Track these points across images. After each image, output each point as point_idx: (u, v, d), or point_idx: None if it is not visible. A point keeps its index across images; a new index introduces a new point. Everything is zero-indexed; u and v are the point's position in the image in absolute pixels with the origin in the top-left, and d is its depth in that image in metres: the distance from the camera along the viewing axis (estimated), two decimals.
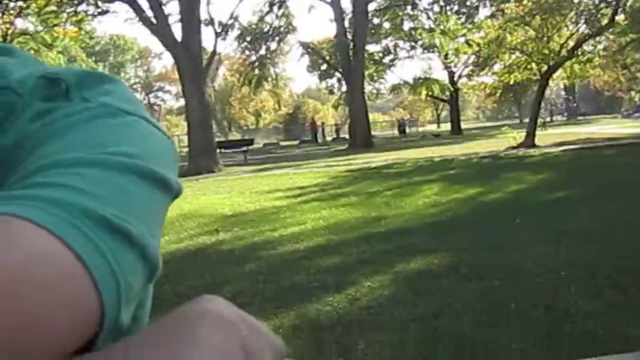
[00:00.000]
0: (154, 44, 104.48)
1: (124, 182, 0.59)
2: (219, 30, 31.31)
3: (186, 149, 28.48)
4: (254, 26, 43.97)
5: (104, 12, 27.81)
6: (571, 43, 26.82)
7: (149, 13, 25.46)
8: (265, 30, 44.38)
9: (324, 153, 35.66)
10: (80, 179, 0.56)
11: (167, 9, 27.38)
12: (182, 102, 30.29)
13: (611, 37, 29.26)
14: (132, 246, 0.55)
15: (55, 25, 28.03)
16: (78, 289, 0.48)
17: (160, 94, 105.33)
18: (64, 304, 0.47)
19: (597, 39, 29.64)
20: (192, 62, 25.18)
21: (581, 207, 9.47)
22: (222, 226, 10.05)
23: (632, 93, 73.11)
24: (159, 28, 25.37)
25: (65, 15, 27.66)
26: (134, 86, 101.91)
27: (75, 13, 27.41)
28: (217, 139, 33.40)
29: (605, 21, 26.05)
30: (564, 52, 26.47)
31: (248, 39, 44.09)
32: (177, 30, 25.56)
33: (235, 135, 77.23)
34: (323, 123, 74.69)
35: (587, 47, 29.20)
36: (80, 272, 0.49)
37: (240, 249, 8.19)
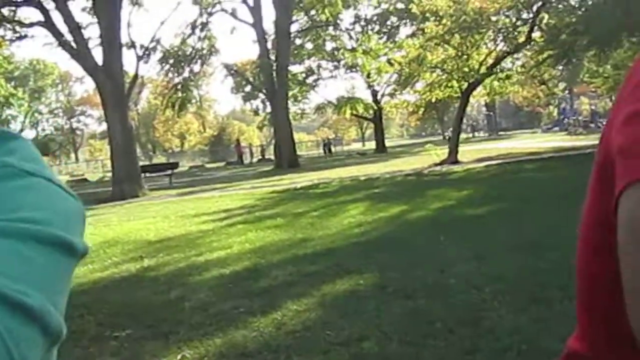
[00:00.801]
0: (75, 68, 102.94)
1: (25, 251, 0.56)
2: (140, 53, 31.01)
3: (110, 174, 28.09)
4: (176, 49, 43.62)
5: (22, 37, 27.31)
6: (490, 60, 27.34)
7: (69, 37, 25.09)
8: (188, 52, 44.09)
9: (250, 174, 35.54)
10: None
11: (87, 33, 27.08)
12: (105, 126, 29.91)
13: (528, 53, 29.86)
14: (32, 320, 0.52)
15: None
16: None
17: (82, 118, 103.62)
18: None
19: (515, 56, 30.27)
20: (113, 86, 24.87)
21: (504, 222, 9.61)
22: (147, 252, 9.90)
23: (551, 108, 74.98)
24: (79, 52, 25.01)
25: None
26: (55, 111, 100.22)
27: None
28: (141, 163, 33.05)
29: (522, 39, 26.64)
30: (483, 70, 26.97)
31: (171, 61, 43.67)
32: (98, 54, 25.25)
33: (160, 158, 76.55)
34: (250, 144, 74.58)
35: (505, 64, 29.80)
36: None
37: (166, 275, 8.08)
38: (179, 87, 44.66)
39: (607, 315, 0.91)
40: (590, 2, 24.30)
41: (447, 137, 51.27)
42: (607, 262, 0.81)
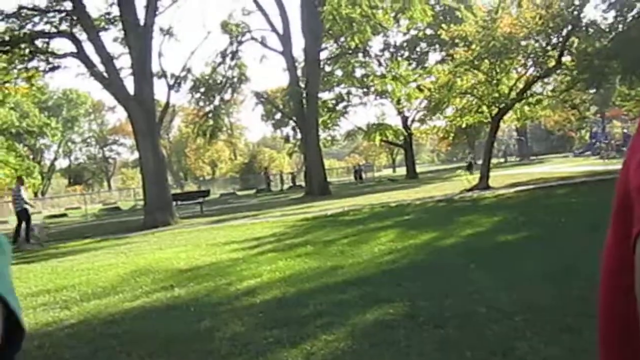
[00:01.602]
0: (107, 97, 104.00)
1: None
2: (171, 82, 31.26)
3: (142, 202, 28.26)
4: (207, 77, 43.93)
5: (55, 68, 27.60)
6: (520, 85, 27.28)
7: (101, 67, 25.37)
8: (219, 81, 44.37)
9: (281, 202, 35.62)
10: None
11: (118, 63, 27.35)
12: (137, 154, 30.14)
13: (559, 78, 29.73)
14: None
15: (6, 82, 27.85)
16: None
17: (115, 147, 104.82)
18: None
19: (545, 80, 30.15)
20: (145, 115, 25.08)
21: (535, 249, 9.53)
22: (177, 281, 9.92)
23: (582, 132, 74.44)
24: (111, 82, 25.26)
25: (15, 71, 27.45)
26: (88, 140, 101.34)
27: (26, 69, 27.19)
28: (173, 191, 33.24)
29: (552, 63, 26.53)
30: (513, 95, 26.90)
31: (202, 90, 43.98)
32: (129, 84, 25.50)
33: (191, 186, 76.91)
34: (281, 171, 74.78)
35: (535, 88, 29.68)
36: None
37: (196, 305, 8.08)
38: (210, 115, 44.95)
39: (628, 356, 0.90)
40: (620, 26, 24.18)
41: (469, 163, 51.12)
42: (630, 304, 0.80)
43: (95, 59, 25.33)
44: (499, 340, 5.25)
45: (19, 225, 21.55)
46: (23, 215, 21.41)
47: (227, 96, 46.88)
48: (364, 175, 64.73)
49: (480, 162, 37.91)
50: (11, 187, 29.94)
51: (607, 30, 25.20)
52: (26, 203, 21.56)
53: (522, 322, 5.68)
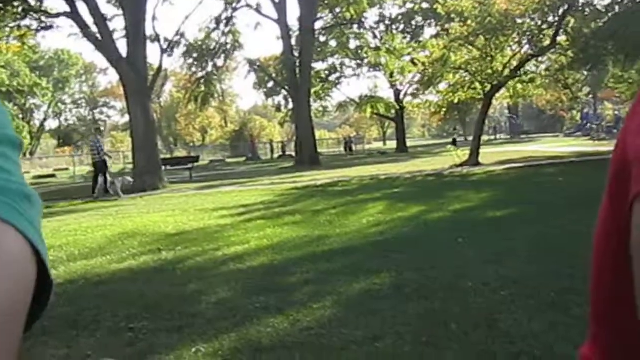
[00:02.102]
0: (100, 60, 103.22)
1: (7, 152, 0.68)
2: (165, 46, 31.07)
3: (131, 166, 28.22)
4: (200, 43, 43.73)
5: (48, 27, 27.40)
6: (514, 63, 27.23)
7: (94, 28, 25.19)
8: (212, 47, 44.18)
9: (270, 170, 35.60)
10: None
11: (112, 25, 27.15)
12: (127, 118, 30.00)
13: (553, 57, 29.71)
14: (32, 205, 0.65)
15: None
16: (30, 266, 0.59)
17: (105, 109, 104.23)
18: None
19: (540, 59, 30.11)
20: (137, 79, 24.95)
21: (523, 226, 9.57)
22: (165, 245, 9.92)
23: (574, 112, 74.55)
24: (104, 44, 25.10)
25: (7, 29, 27.24)
26: (79, 101, 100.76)
27: (19, 27, 26.99)
28: (162, 156, 33.12)
29: (547, 42, 26.50)
30: (507, 72, 26.86)
31: (195, 55, 43.82)
32: (122, 46, 25.34)
33: (181, 152, 76.74)
34: (271, 140, 74.69)
35: (529, 67, 29.64)
36: (30, 252, 0.59)
37: (183, 269, 8.09)
38: (202, 81, 44.84)
39: (619, 323, 0.90)
40: (617, 7, 24.13)
41: (454, 139, 51.47)
42: (623, 270, 0.80)
43: (89, 19, 25.15)
44: (483, 313, 5.29)
45: (96, 176, 22.21)
46: (101, 166, 22.04)
47: (220, 63, 46.76)
48: (354, 148, 64.73)
49: (466, 139, 38.08)
50: None
51: (604, 11, 25.15)
52: (105, 154, 22.29)
53: (508, 296, 5.72)
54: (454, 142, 48.24)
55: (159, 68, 29.72)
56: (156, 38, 29.84)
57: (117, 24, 59.79)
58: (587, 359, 1.02)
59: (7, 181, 0.64)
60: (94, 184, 22.22)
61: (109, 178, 21.95)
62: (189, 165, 31.83)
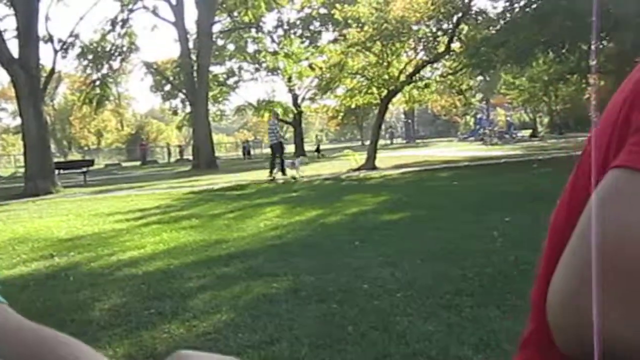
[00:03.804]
0: None
1: None
2: (58, 47, 30.40)
3: (23, 170, 27.49)
4: (95, 44, 42.94)
5: None
6: (410, 69, 27.71)
7: None
8: (107, 48, 43.45)
9: (167, 174, 35.23)
10: None
11: (2, 24, 26.41)
12: (19, 120, 29.19)
13: (447, 63, 30.34)
14: None
15: None
16: None
17: None
18: None
19: (435, 65, 30.70)
20: (29, 80, 24.32)
21: (418, 228, 9.71)
22: (57, 250, 9.68)
23: (468, 118, 76.34)
24: None
25: None
26: None
27: None
28: (56, 159, 32.36)
29: (442, 48, 27.05)
30: (403, 78, 27.29)
31: (90, 57, 42.98)
32: (13, 47, 24.65)
33: (75, 156, 75.09)
34: (168, 144, 73.93)
35: (425, 73, 30.18)
36: None
37: (76, 274, 7.91)
38: (97, 83, 43.99)
39: None
40: (508, 16, 24.80)
41: (318, 146, 52.96)
42: None
43: None
44: (380, 316, 5.34)
45: (273, 158, 23.41)
46: (277, 148, 23.13)
47: (115, 65, 46.01)
48: (252, 152, 64.73)
49: (363, 143, 38.48)
50: None
51: (496, 19, 25.82)
52: (281, 137, 23.39)
53: (403, 298, 5.79)
54: (318, 149, 49.76)
55: (52, 69, 29.05)
56: (49, 39, 29.19)
57: (9, 24, 58.07)
58: (525, 340, 1.04)
59: None
60: (271, 167, 23.50)
61: (285, 160, 23.69)
62: (84, 169, 31.15)
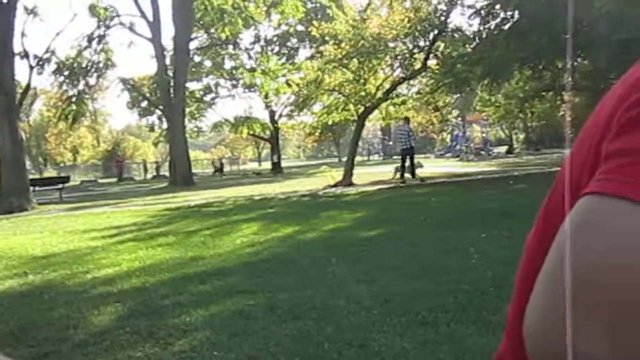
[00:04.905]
0: None
1: None
2: (34, 63, 30.28)
3: None
4: (71, 61, 42.79)
5: None
6: (387, 86, 27.80)
7: None
8: (84, 65, 43.32)
9: (144, 191, 35.07)
10: None
11: None
12: None
13: (424, 80, 30.49)
14: None
15: None
16: None
17: None
18: None
19: (411, 82, 30.84)
20: (4, 97, 24.18)
21: (395, 245, 9.71)
22: (31, 268, 9.59)
23: (444, 134, 76.67)
24: None
25: None
26: None
27: None
28: (31, 176, 32.16)
29: (418, 65, 27.18)
30: (379, 94, 27.39)
31: (66, 73, 42.80)
32: None
33: (51, 172, 74.57)
34: (144, 160, 73.69)
35: (401, 89, 30.32)
36: None
37: (50, 292, 7.83)
38: (73, 99, 43.77)
39: None
40: (484, 34, 24.97)
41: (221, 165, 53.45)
42: None
43: None
44: (356, 332, 5.33)
45: (403, 162, 24.62)
46: (409, 152, 24.29)
47: (92, 81, 45.86)
48: (229, 168, 64.87)
49: (340, 159, 38.69)
50: None
51: (472, 37, 25.99)
52: (414, 140, 24.67)
53: (380, 315, 5.78)
54: (274, 166, 50.22)
55: (28, 85, 28.92)
56: (25, 55, 29.05)
57: None
58: (499, 357, 1.04)
59: None
60: (402, 170, 24.78)
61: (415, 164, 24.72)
62: (59, 186, 30.93)
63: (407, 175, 24.48)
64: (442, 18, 26.02)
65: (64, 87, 44.33)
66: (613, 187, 0.69)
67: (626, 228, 0.65)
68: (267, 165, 71.93)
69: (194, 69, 50.21)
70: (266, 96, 52.12)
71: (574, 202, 0.73)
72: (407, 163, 24.47)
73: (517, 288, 1.00)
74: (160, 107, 45.20)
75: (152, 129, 63.28)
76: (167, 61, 43.16)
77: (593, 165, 0.79)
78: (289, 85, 46.99)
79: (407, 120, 26.55)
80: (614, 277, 0.63)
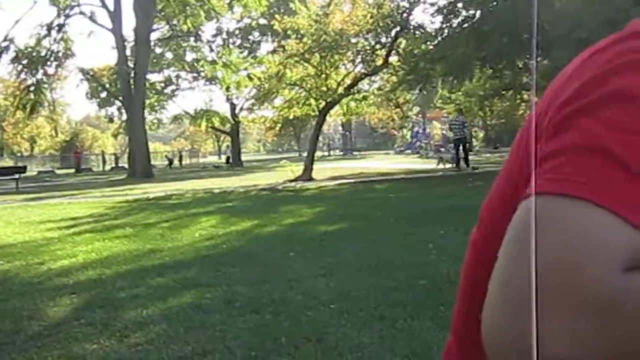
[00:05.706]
0: None
1: None
2: None
3: None
4: (30, 49, 42.27)
5: None
6: (348, 81, 27.86)
7: None
8: (43, 54, 42.81)
9: (102, 183, 34.76)
10: None
11: None
12: None
13: (385, 76, 30.59)
14: None
15: None
16: None
17: None
18: None
19: (372, 78, 30.92)
20: None
21: (353, 240, 9.73)
22: None
23: (404, 131, 77.05)
24: None
25: None
26: None
27: None
28: None
29: (380, 62, 27.26)
30: (341, 90, 27.42)
31: (24, 62, 42.28)
32: None
33: (7, 162, 73.62)
34: (103, 152, 73.08)
35: (363, 85, 30.40)
36: None
37: (4, 283, 7.73)
38: (32, 88, 43.24)
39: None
40: (446, 32, 25.09)
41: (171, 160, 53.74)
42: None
43: None
44: (313, 327, 5.32)
45: (457, 151, 26.03)
46: (463, 142, 25.82)
47: (51, 70, 45.33)
48: (182, 162, 64.81)
49: (300, 154, 38.80)
50: None
51: (434, 34, 26.10)
52: (468, 130, 26.01)
53: (337, 309, 5.79)
54: (228, 160, 50.19)
55: None
56: None
57: None
58: (448, 348, 1.05)
59: None
60: (457, 159, 26.19)
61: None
62: (15, 176, 30.50)
63: (463, 165, 25.94)
64: (405, 15, 26.12)
65: (22, 75, 43.80)
66: (553, 186, 0.69)
67: (567, 227, 0.66)
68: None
69: (154, 61, 49.90)
70: (227, 89, 51.90)
71: (516, 200, 0.73)
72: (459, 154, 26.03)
73: (463, 285, 1.00)
74: (120, 98, 44.82)
75: (111, 120, 62.79)
76: (128, 52, 42.81)
77: (526, 165, 0.80)
78: (251, 79, 46.84)
79: (460, 111, 28.61)
80: (564, 276, 0.63)
